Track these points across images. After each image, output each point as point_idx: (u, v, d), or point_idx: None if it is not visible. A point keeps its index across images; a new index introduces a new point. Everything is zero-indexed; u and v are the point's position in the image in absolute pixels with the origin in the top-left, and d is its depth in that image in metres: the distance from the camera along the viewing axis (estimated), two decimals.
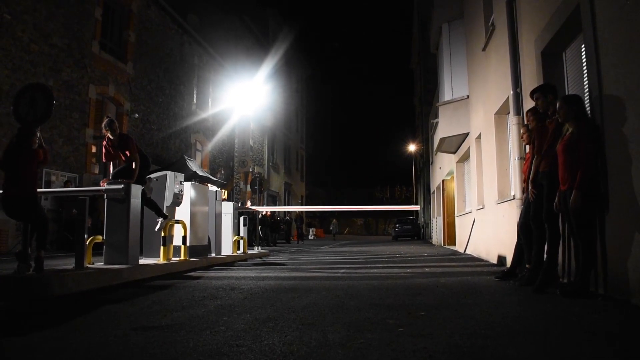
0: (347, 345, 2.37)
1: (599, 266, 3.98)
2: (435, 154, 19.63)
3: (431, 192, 24.55)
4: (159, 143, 17.69)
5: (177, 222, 7.20)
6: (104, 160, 6.82)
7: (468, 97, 11.39)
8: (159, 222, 6.88)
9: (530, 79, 6.02)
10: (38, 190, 5.26)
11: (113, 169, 6.70)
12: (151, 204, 6.87)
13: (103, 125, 6.41)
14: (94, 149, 14.08)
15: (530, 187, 4.74)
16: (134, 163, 6.35)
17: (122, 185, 5.78)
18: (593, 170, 3.94)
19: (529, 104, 6.15)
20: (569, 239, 4.42)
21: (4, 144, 10.90)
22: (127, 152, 6.43)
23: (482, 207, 9.71)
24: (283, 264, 8.48)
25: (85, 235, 5.39)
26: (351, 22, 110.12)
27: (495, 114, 8.13)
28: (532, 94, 4.92)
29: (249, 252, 11.13)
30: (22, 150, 4.97)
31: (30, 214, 4.96)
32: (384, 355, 2.18)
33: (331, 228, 40.61)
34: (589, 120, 4.12)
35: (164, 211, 7.06)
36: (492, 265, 7.59)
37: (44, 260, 4.79)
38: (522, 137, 5.32)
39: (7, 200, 4.91)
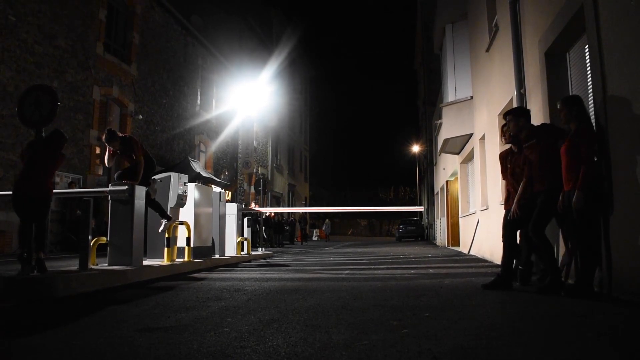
0: (351, 346, 2.37)
1: (603, 266, 3.96)
2: (439, 155, 19.61)
3: (435, 193, 24.51)
4: (163, 144, 17.73)
5: (181, 223, 7.21)
6: (105, 160, 6.78)
7: (472, 97, 11.37)
8: (163, 224, 6.90)
9: (534, 80, 6.00)
10: None
11: (116, 170, 6.73)
12: (155, 205, 6.89)
13: (104, 140, 6.41)
14: (98, 150, 14.12)
15: (514, 207, 4.71)
16: (138, 165, 6.37)
17: (126, 187, 5.80)
18: (595, 170, 3.94)
19: (533, 104, 6.15)
20: (572, 240, 4.41)
21: (8, 144, 10.96)
22: (133, 155, 6.44)
23: (486, 208, 9.69)
24: (287, 265, 8.48)
25: (90, 237, 5.41)
26: (355, 23, 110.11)
27: (499, 114, 8.11)
28: (505, 115, 4.95)
29: (253, 253, 11.14)
30: (51, 153, 5.04)
31: (42, 215, 5.01)
32: (389, 357, 2.18)
33: (324, 228, 37.45)
34: (589, 121, 4.13)
35: (168, 212, 7.08)
36: (497, 266, 7.56)
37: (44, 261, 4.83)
38: (502, 137, 5.25)
39: (23, 198, 4.94)
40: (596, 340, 2.51)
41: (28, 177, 4.93)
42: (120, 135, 6.59)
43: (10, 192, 5.15)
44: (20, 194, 4.91)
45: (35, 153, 5.01)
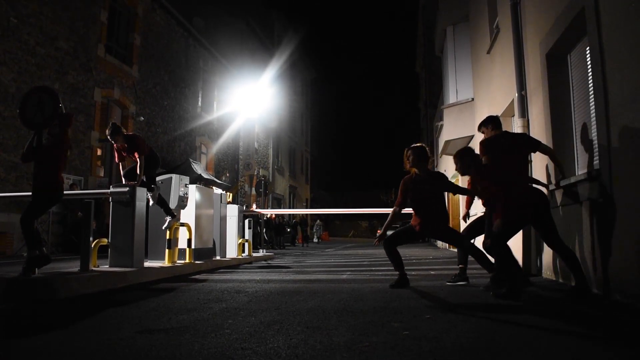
0: (352, 348, 2.36)
1: (609, 270, 3.96)
2: (440, 157, 19.60)
3: None
4: (164, 146, 17.74)
5: (182, 224, 7.21)
6: (116, 161, 6.85)
7: (473, 99, 11.37)
8: (167, 221, 6.88)
9: (535, 82, 6.00)
10: None
11: (123, 169, 6.76)
12: (161, 201, 6.88)
13: (107, 135, 6.42)
14: (99, 152, 14.14)
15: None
16: (139, 163, 6.38)
17: (128, 188, 5.81)
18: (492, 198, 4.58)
19: (534, 106, 6.15)
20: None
21: (9, 146, 10.98)
22: (137, 153, 6.44)
23: None
24: (288, 267, 8.48)
25: (91, 238, 5.41)
26: (356, 25, 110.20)
27: (500, 116, 8.09)
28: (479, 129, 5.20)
29: (254, 254, 11.13)
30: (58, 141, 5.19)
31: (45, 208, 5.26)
32: (389, 358, 2.18)
33: (314, 230, 34.02)
34: (481, 166, 4.55)
35: None
36: None
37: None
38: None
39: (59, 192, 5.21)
40: (596, 343, 2.51)
41: (41, 173, 5.05)
42: (125, 133, 6.60)
43: (11, 194, 5.18)
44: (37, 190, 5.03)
45: (44, 153, 5.09)
